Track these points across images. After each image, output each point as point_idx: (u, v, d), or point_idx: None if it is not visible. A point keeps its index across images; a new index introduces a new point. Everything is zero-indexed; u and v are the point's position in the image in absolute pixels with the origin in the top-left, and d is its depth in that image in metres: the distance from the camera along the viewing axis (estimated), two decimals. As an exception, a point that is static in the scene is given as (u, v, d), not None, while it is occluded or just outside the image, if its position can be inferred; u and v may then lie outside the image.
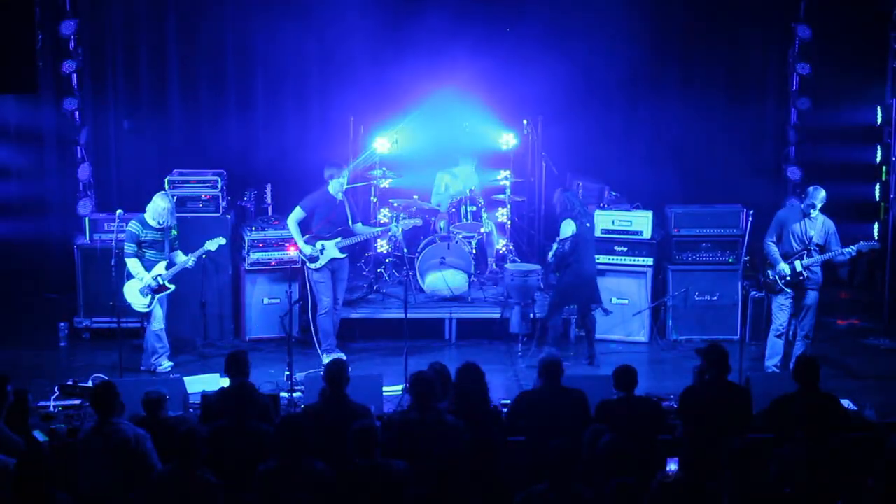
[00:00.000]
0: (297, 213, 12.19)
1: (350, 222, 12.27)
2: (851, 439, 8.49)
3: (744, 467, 7.16)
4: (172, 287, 11.87)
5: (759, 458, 7.24)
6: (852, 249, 11.56)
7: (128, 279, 11.82)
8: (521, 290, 12.58)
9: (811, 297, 11.66)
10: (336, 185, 12.12)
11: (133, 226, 11.72)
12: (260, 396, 8.98)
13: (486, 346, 12.84)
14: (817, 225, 11.52)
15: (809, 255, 11.52)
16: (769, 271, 11.70)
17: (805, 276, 11.56)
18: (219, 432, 8.03)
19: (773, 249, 11.65)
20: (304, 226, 12.27)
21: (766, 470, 7.62)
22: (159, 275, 11.73)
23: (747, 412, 8.77)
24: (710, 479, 7.35)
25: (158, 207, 11.72)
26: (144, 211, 11.86)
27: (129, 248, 11.71)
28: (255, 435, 8.05)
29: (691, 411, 8.74)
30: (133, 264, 11.72)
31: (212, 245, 11.92)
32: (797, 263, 11.53)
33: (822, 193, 11.48)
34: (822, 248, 11.53)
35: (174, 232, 11.91)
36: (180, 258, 11.90)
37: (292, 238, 12.43)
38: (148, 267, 11.73)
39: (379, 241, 14.08)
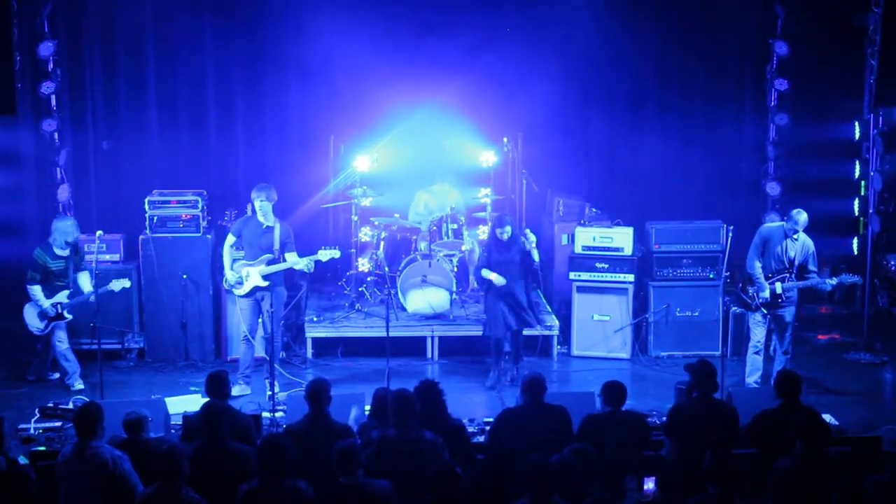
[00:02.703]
0: (228, 239, 11.95)
1: (277, 250, 11.68)
2: (833, 453, 8.50)
3: (724, 478, 7.18)
4: (70, 317, 11.96)
5: (738, 469, 7.26)
6: (834, 281, 11.73)
7: (29, 301, 11.95)
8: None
9: (788, 314, 11.70)
10: (259, 210, 11.66)
11: (39, 255, 11.87)
12: (240, 416, 8.97)
13: (468, 364, 12.83)
14: (798, 245, 11.58)
15: (790, 277, 11.57)
16: (748, 287, 11.74)
17: (784, 298, 11.62)
18: (194, 453, 7.98)
19: (759, 272, 11.64)
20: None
21: (749, 486, 7.65)
22: (59, 302, 11.84)
23: (734, 430, 8.77)
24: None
25: (66, 226, 11.92)
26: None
27: (32, 275, 11.88)
28: (231, 455, 8.02)
29: (679, 428, 8.74)
30: (36, 291, 11.85)
31: (115, 286, 11.99)
32: (777, 286, 11.57)
33: (805, 217, 11.52)
34: (802, 268, 11.57)
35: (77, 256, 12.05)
36: (84, 281, 12.00)
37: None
38: (51, 293, 11.85)
39: (360, 259, 14.07)
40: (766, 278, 11.60)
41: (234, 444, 8.16)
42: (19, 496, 7.33)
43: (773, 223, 12.35)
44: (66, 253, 11.91)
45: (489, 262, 11.89)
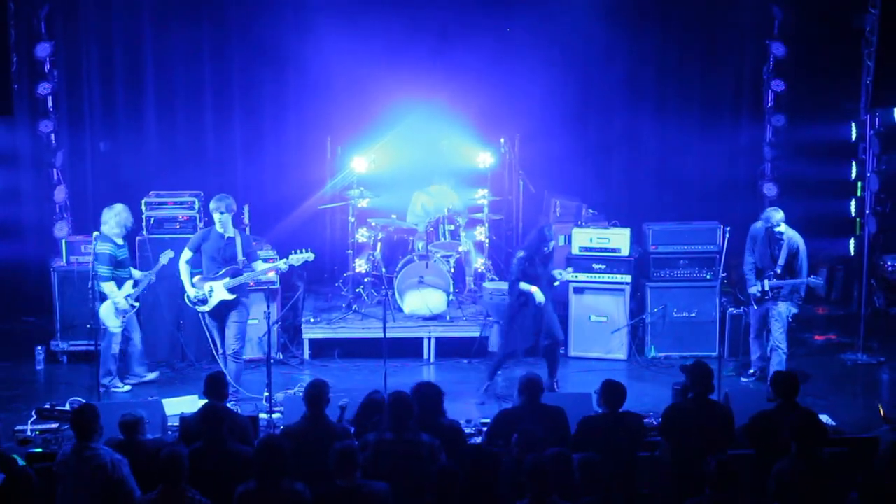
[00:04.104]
0: (184, 254, 11.50)
1: (241, 261, 11.34)
2: (831, 454, 8.51)
3: (724, 484, 7.18)
4: (137, 305, 11.96)
5: (739, 475, 7.26)
6: (805, 281, 11.91)
7: (101, 301, 11.79)
8: (499, 309, 12.60)
9: (776, 310, 11.94)
10: (221, 221, 11.29)
11: (107, 247, 11.68)
12: (238, 417, 8.98)
13: (464, 365, 12.83)
14: (783, 243, 11.77)
15: (777, 276, 11.81)
16: (746, 285, 11.99)
17: (771, 295, 11.85)
18: (193, 454, 7.99)
19: (747, 268, 12.01)
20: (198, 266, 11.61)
21: (746, 487, 7.65)
22: (128, 294, 11.79)
23: (729, 432, 8.78)
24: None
25: (122, 216, 11.80)
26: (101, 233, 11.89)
27: (104, 270, 11.69)
28: (231, 455, 8.02)
29: (674, 429, 8.74)
30: (110, 287, 11.71)
31: (164, 259, 11.98)
32: (766, 283, 11.85)
33: (779, 215, 11.76)
34: (789, 265, 11.80)
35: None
36: (136, 274, 11.97)
37: (270, 258, 12.41)
38: (119, 286, 11.79)
39: (357, 260, 14.07)
40: (758, 274, 11.89)
41: (233, 444, 8.17)
42: (21, 497, 7.35)
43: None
44: (123, 241, 11.85)
45: (526, 275, 11.60)
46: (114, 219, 11.83)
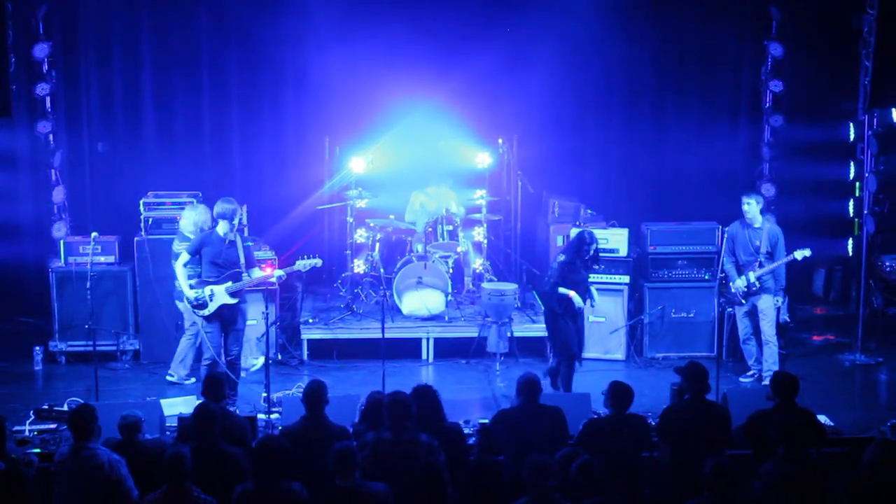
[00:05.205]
0: (183, 257, 11.27)
1: (243, 266, 11.15)
2: (828, 455, 8.51)
3: (722, 486, 7.18)
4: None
5: (737, 476, 7.26)
6: (789, 258, 11.98)
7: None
8: (497, 309, 12.59)
9: (763, 301, 12.08)
10: (225, 226, 11.12)
11: (184, 247, 11.44)
12: (235, 418, 8.97)
13: (463, 366, 12.83)
14: (762, 234, 11.98)
15: (760, 265, 11.98)
16: (731, 284, 12.17)
17: (758, 286, 12.00)
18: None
19: (728, 266, 12.17)
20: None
21: (745, 487, 7.65)
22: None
23: (727, 432, 8.78)
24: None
25: (201, 217, 11.72)
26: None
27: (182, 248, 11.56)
28: (222, 455, 8.01)
29: (672, 430, 8.74)
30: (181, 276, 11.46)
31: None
32: (750, 275, 12.00)
33: (749, 202, 12.03)
34: (772, 255, 12.01)
35: None
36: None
37: (269, 259, 12.39)
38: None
39: (356, 260, 14.07)
40: (740, 270, 12.08)
41: (225, 446, 8.15)
42: (17, 496, 7.36)
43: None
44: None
45: (566, 280, 11.28)
46: (191, 217, 11.79)
